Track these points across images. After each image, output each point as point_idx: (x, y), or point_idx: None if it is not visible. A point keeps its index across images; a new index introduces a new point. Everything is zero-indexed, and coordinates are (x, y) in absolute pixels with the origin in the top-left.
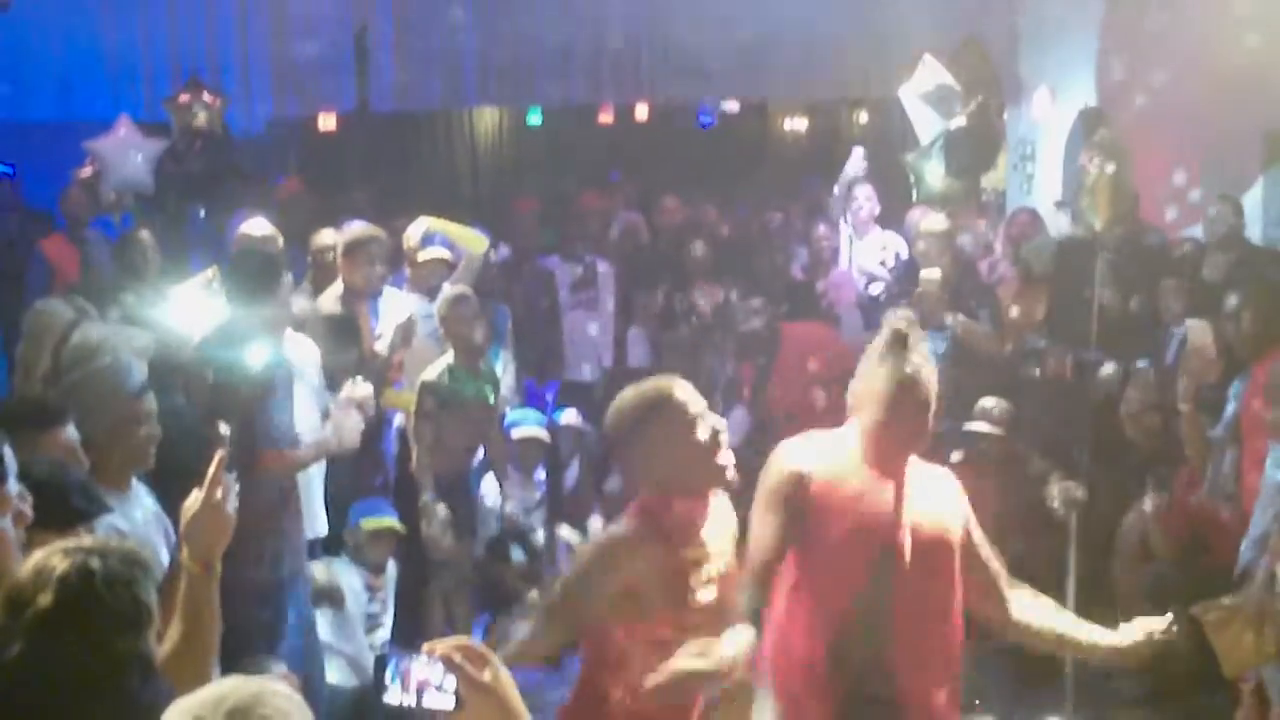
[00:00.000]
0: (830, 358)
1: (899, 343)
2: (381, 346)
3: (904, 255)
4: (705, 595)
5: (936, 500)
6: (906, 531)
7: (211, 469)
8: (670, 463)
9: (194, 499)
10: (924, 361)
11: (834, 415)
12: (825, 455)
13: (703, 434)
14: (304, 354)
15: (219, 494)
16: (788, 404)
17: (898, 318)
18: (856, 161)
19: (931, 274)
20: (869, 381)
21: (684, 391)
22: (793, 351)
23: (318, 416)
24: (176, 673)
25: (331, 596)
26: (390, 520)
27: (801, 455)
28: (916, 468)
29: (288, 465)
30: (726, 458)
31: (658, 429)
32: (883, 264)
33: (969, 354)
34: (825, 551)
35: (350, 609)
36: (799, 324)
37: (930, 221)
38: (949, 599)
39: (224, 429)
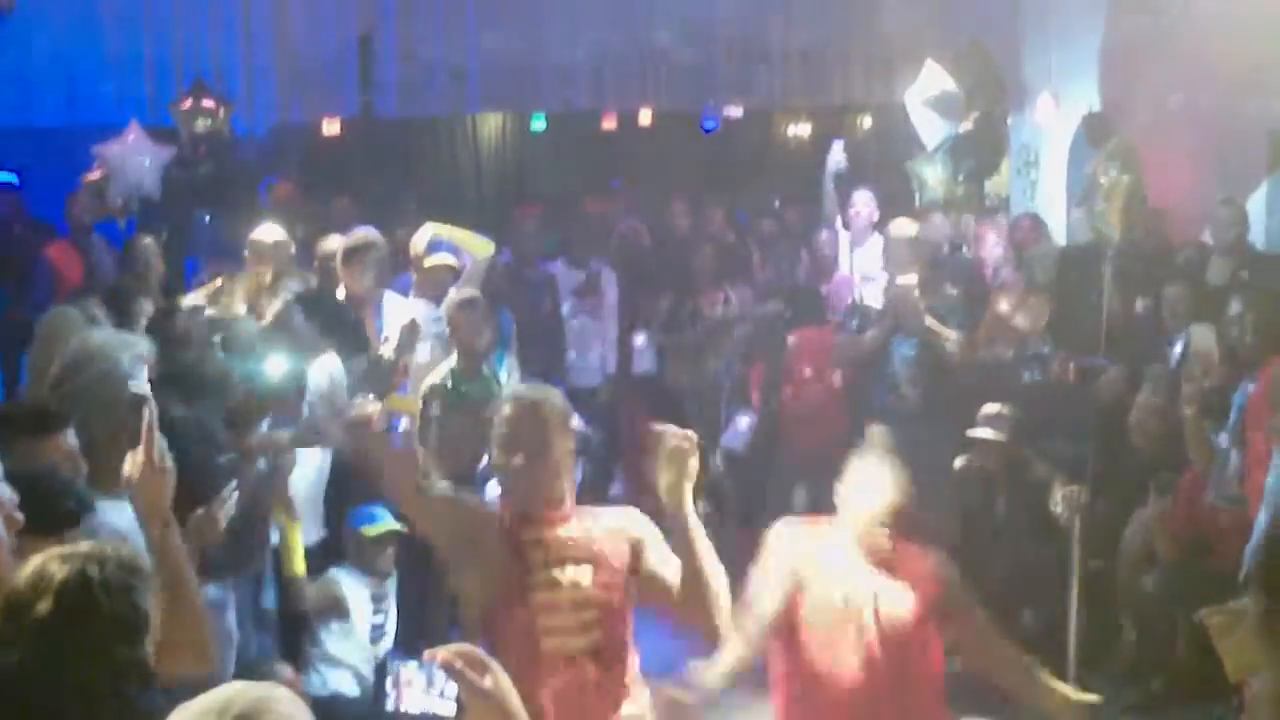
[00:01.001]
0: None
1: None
2: (387, 351)
3: None
4: (564, 577)
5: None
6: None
7: (144, 430)
8: None
9: (132, 463)
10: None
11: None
12: (820, 549)
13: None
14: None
15: (156, 455)
16: (796, 406)
17: (878, 430)
18: (837, 155)
19: (906, 280)
20: (852, 487)
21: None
22: (802, 355)
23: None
24: (171, 629)
25: (336, 608)
26: (391, 523)
27: (795, 545)
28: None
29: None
30: None
31: None
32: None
33: (940, 359)
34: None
35: (355, 620)
36: (809, 329)
37: (899, 227)
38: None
39: (144, 387)
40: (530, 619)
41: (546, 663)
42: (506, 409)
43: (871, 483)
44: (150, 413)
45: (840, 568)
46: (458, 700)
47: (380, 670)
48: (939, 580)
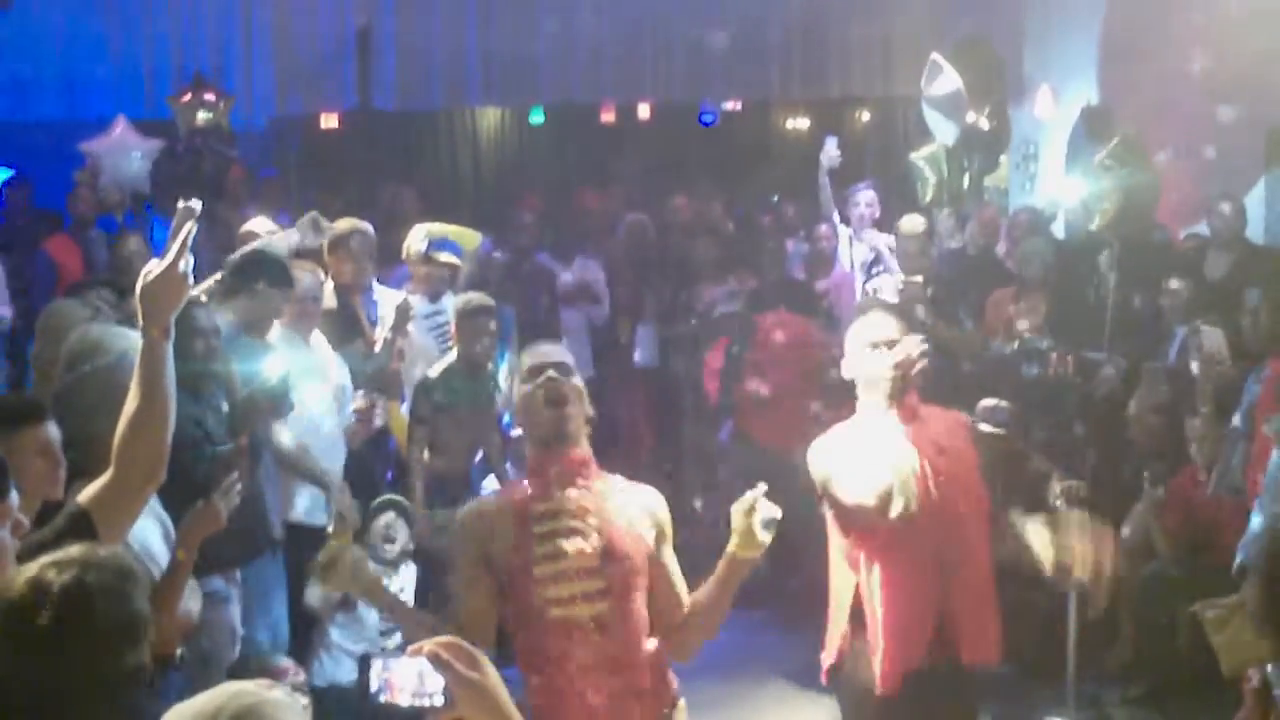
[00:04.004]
0: (802, 344)
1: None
2: (381, 332)
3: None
4: (570, 546)
5: (948, 441)
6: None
7: (180, 238)
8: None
9: (154, 265)
10: (893, 326)
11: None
12: (845, 440)
13: (532, 385)
14: (327, 354)
15: (183, 264)
16: (755, 388)
17: (868, 297)
18: (831, 150)
19: (912, 279)
20: (851, 345)
21: (531, 356)
22: (766, 340)
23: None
24: (136, 436)
25: (344, 603)
26: (390, 495)
27: (825, 454)
28: (930, 413)
29: None
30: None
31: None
32: (874, 250)
33: (950, 356)
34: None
35: (362, 612)
36: (771, 314)
37: (909, 223)
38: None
39: (196, 205)
40: (533, 589)
41: (556, 632)
42: (533, 364)
43: (858, 333)
44: (191, 226)
45: (878, 444)
46: (446, 693)
47: (362, 662)
48: (969, 430)
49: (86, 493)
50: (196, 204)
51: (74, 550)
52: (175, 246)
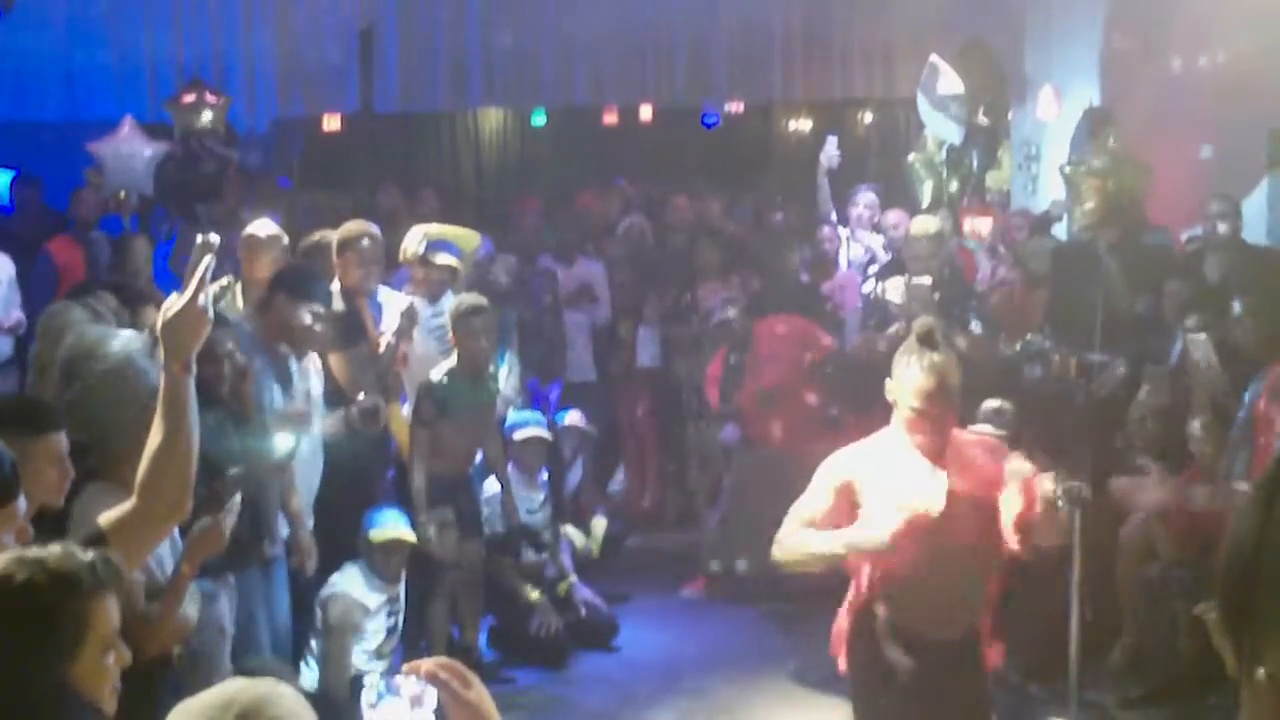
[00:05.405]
0: (801, 344)
1: (927, 340)
2: (386, 336)
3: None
4: None
5: (977, 470)
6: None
7: (199, 272)
8: None
9: (174, 299)
10: (948, 355)
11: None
12: (872, 456)
13: None
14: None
15: (201, 299)
16: (755, 390)
17: (923, 321)
18: (830, 150)
19: (921, 281)
20: (901, 376)
21: None
22: (765, 342)
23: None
24: (160, 472)
25: (348, 618)
26: (394, 530)
27: (851, 463)
28: (959, 442)
29: None
30: None
31: None
32: (868, 251)
33: (960, 359)
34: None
35: (362, 623)
36: (770, 318)
37: (921, 224)
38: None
39: (214, 239)
40: None
41: None
42: None
43: (911, 373)
44: (209, 260)
45: (896, 468)
46: (438, 711)
47: (354, 680)
48: (999, 463)
49: (108, 517)
50: (215, 238)
51: (39, 550)
52: (194, 282)
